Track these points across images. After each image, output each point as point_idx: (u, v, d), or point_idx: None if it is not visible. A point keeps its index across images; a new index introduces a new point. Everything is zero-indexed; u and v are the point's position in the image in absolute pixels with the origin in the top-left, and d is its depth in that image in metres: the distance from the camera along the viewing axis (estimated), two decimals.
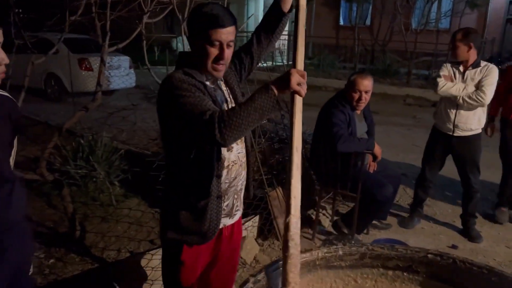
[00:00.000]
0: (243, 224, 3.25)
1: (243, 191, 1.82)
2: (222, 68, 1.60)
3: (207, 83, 1.63)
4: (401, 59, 13.50)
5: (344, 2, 16.75)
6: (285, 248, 1.32)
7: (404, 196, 4.56)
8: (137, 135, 6.22)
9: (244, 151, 1.76)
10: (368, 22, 16.38)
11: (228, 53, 1.58)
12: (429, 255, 1.57)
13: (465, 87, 3.35)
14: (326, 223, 3.76)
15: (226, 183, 1.70)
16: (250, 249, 3.17)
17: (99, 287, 2.61)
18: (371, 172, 3.33)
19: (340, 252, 1.57)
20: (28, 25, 4.83)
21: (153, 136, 6.12)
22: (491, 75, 3.35)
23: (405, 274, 1.59)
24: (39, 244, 3.32)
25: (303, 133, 4.41)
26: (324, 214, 3.91)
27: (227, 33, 1.54)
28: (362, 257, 1.58)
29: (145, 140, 6.04)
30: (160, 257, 1.99)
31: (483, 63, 3.42)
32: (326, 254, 1.56)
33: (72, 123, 2.94)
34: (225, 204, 1.73)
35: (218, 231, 1.73)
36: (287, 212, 1.35)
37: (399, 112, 9.53)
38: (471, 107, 3.39)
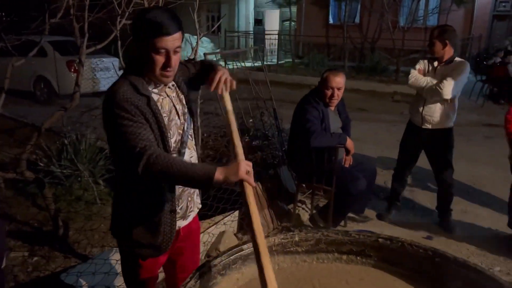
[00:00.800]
0: (223, 219, 3.34)
1: (196, 192, 1.84)
2: (170, 74, 1.57)
3: (154, 91, 1.61)
4: (390, 57, 13.64)
5: (333, 1, 16.87)
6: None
7: (385, 189, 4.66)
8: None
9: (195, 154, 1.78)
10: (357, 20, 16.50)
11: (175, 59, 1.55)
12: (380, 239, 1.65)
13: (431, 81, 3.44)
14: (305, 217, 3.85)
15: (179, 188, 1.72)
16: (229, 243, 3.25)
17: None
18: (347, 166, 3.42)
19: (296, 238, 1.65)
20: (12, 28, 4.90)
21: None
22: (457, 70, 3.41)
23: (358, 258, 1.68)
24: (22, 243, 3.40)
25: (285, 131, 4.52)
26: (303, 209, 4.01)
27: (172, 40, 1.50)
28: (317, 243, 1.66)
29: None
30: None
31: (457, 59, 3.51)
32: (282, 240, 1.64)
33: (51, 123, 3.01)
34: (179, 207, 1.74)
35: (176, 232, 1.75)
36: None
37: (387, 109, 9.64)
38: (433, 99, 3.47)
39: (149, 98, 1.55)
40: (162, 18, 1.48)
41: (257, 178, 3.69)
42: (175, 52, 1.53)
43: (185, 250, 1.90)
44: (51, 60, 8.40)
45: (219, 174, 1.40)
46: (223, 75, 1.69)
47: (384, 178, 4.88)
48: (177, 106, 1.69)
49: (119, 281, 2.55)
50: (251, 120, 5.02)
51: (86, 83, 8.23)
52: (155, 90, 1.62)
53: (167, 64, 1.53)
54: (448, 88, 3.33)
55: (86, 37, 3.10)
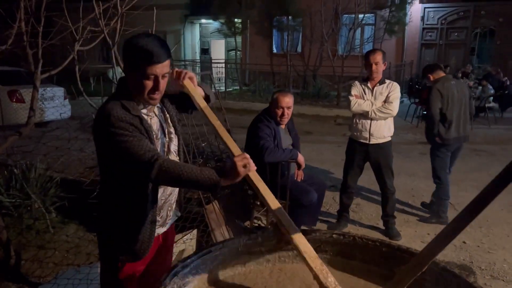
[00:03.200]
0: (182, 237, 3.41)
1: (175, 202, 1.95)
2: (157, 97, 1.66)
3: (143, 111, 1.70)
4: (331, 83, 14.37)
5: (276, 31, 17.60)
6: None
7: (334, 204, 4.93)
8: (73, 164, 6.17)
9: None
10: (299, 49, 17.30)
11: (163, 83, 1.64)
12: (334, 235, 1.84)
13: (373, 103, 3.82)
14: None
15: (162, 200, 1.81)
16: None
17: None
18: (298, 180, 3.63)
19: (260, 239, 1.80)
20: None
21: (90, 164, 6.10)
22: (396, 90, 3.87)
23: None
24: None
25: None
26: (259, 225, 4.15)
27: (162, 67, 1.59)
28: (278, 242, 1.82)
29: (81, 169, 6.02)
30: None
31: (387, 80, 3.93)
32: (247, 242, 1.78)
33: (4, 148, 2.97)
34: (160, 215, 1.84)
35: (155, 238, 1.83)
36: (309, 268, 1.53)
37: (330, 131, 10.12)
38: (381, 118, 3.85)
39: (141, 118, 1.64)
40: (153, 47, 1.56)
41: (214, 196, 3.81)
42: (163, 77, 1.63)
43: (158, 255, 1.96)
44: None
45: (223, 181, 1.50)
46: (183, 71, 1.84)
47: (332, 194, 5.17)
48: (164, 125, 1.79)
49: None
50: (204, 144, 5.15)
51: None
52: (144, 111, 1.71)
53: (155, 89, 1.62)
54: (396, 107, 3.83)
55: (41, 62, 3.13)
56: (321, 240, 1.84)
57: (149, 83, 1.60)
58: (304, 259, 1.50)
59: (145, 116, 1.69)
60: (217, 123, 1.72)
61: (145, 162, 1.51)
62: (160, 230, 1.88)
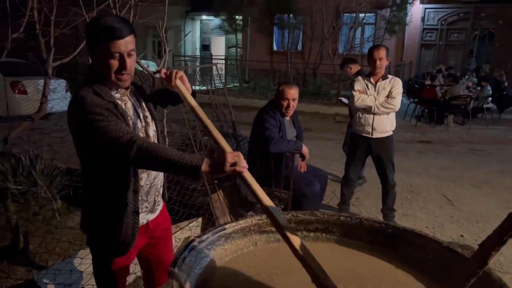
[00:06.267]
0: (188, 224, 3.49)
1: (162, 186, 1.91)
2: (126, 78, 1.61)
3: (117, 95, 1.66)
4: (330, 81, 14.46)
5: (276, 29, 17.68)
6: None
7: (334, 198, 5.02)
8: (75, 155, 6.22)
9: None
10: (299, 47, 17.38)
11: (130, 62, 1.58)
12: (341, 217, 1.92)
13: (376, 98, 3.90)
14: None
15: (147, 184, 1.79)
16: None
17: None
18: (302, 171, 3.72)
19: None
20: None
21: None
22: (399, 86, 3.94)
23: (323, 234, 1.92)
24: None
25: (243, 144, 4.77)
26: None
27: (125, 44, 1.53)
28: (288, 222, 1.90)
29: None
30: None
31: (389, 76, 4.01)
32: (258, 221, 1.86)
33: (18, 133, 3.04)
34: (148, 201, 1.82)
35: (144, 226, 1.84)
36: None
37: (329, 128, 10.21)
38: (384, 112, 3.94)
39: (115, 104, 1.60)
40: (113, 23, 1.51)
41: (218, 186, 3.89)
42: (129, 55, 1.57)
43: (158, 243, 1.98)
44: None
45: (206, 166, 1.44)
46: (172, 71, 1.78)
47: (332, 188, 5.26)
48: (138, 110, 1.75)
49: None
50: (206, 138, 5.22)
51: (33, 105, 8.03)
52: (117, 95, 1.67)
53: (122, 67, 1.56)
54: (398, 102, 3.91)
55: (53, 51, 3.19)
56: (328, 222, 1.91)
57: (115, 63, 1.55)
58: (301, 258, 1.44)
59: (119, 102, 1.66)
60: (207, 121, 1.66)
61: (123, 144, 1.47)
62: (149, 217, 1.87)
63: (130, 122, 1.66)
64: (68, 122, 1.61)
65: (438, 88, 10.80)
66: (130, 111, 1.70)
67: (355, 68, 5.25)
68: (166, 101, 1.97)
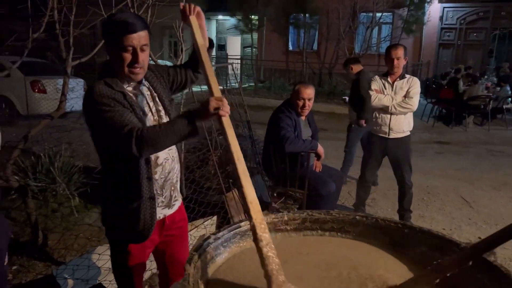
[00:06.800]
0: (203, 222, 3.51)
1: (179, 182, 1.94)
2: (139, 71, 1.66)
3: (129, 88, 1.71)
4: (346, 81, 14.36)
5: (292, 29, 17.63)
6: (258, 250, 1.42)
7: (349, 198, 4.99)
8: (94, 152, 6.32)
9: (174, 147, 1.85)
10: (315, 47, 17.31)
11: (143, 56, 1.64)
12: (357, 217, 1.91)
13: (393, 98, 3.86)
14: None
15: (162, 178, 1.81)
16: None
17: None
18: (317, 171, 3.71)
19: (285, 218, 1.87)
20: None
21: None
22: (416, 85, 3.89)
23: (339, 234, 1.92)
24: None
25: (258, 144, 4.78)
26: None
27: (138, 38, 1.59)
28: (303, 221, 1.89)
29: None
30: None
31: (407, 75, 3.96)
32: (274, 219, 1.86)
33: (38, 131, 3.10)
34: (164, 196, 1.85)
35: (161, 221, 1.87)
36: (249, 217, 1.46)
37: (345, 129, 10.07)
38: (402, 113, 3.89)
39: (124, 94, 1.65)
40: (128, 18, 1.60)
41: (233, 185, 3.90)
42: (142, 49, 1.63)
43: (173, 241, 2.00)
44: (14, 81, 8.32)
45: (197, 118, 1.53)
46: (191, 5, 1.78)
47: (348, 188, 5.23)
48: (150, 104, 1.79)
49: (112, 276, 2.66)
50: (220, 137, 5.25)
51: (53, 104, 8.18)
52: (129, 88, 1.72)
53: (134, 61, 1.62)
54: (417, 102, 3.87)
55: (72, 50, 3.25)
56: (344, 221, 1.90)
57: (128, 56, 1.61)
58: (246, 205, 1.47)
59: (130, 93, 1.70)
60: (208, 63, 1.66)
61: (125, 133, 1.53)
62: (166, 212, 1.89)
63: (141, 114, 1.70)
64: (83, 114, 1.68)
65: (461, 81, 10.53)
66: (141, 103, 1.74)
67: (356, 68, 5.23)
68: (185, 77, 1.98)
